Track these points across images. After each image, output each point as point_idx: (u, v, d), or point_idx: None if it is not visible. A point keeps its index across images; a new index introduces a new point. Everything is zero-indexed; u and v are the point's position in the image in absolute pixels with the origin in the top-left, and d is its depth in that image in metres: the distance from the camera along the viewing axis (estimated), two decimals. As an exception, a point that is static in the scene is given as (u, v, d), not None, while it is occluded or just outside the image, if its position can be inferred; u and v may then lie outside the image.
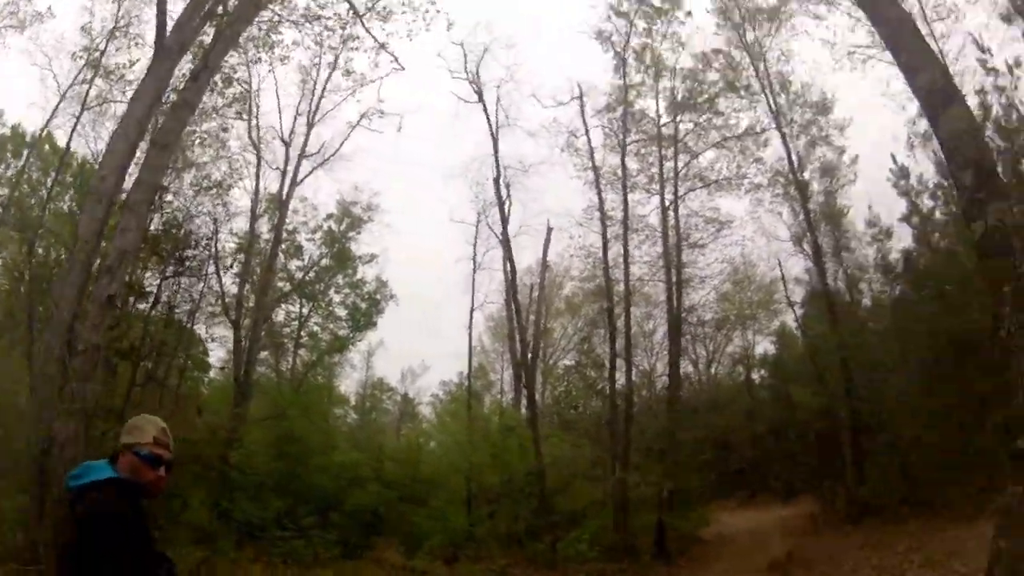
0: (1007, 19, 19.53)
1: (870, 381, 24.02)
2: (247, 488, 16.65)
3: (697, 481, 25.87)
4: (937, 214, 23.18)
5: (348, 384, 39.58)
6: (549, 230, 28.70)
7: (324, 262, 25.78)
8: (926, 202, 23.32)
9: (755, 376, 40.38)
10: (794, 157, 25.68)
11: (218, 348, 23.38)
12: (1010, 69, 19.58)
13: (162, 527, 10.78)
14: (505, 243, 25.57)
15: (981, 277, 7.25)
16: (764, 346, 39.67)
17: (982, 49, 20.26)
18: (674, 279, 24.11)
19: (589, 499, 23.50)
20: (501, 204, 25.51)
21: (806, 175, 26.06)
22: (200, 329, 21.07)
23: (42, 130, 22.44)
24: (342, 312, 26.66)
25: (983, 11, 20.39)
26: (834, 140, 25.97)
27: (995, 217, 6.77)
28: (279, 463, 20.06)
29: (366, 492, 21.54)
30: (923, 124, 20.24)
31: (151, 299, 17.27)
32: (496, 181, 25.40)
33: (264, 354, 24.85)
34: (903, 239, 24.40)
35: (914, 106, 20.32)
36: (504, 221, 25.51)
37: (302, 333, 26.76)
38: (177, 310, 18.70)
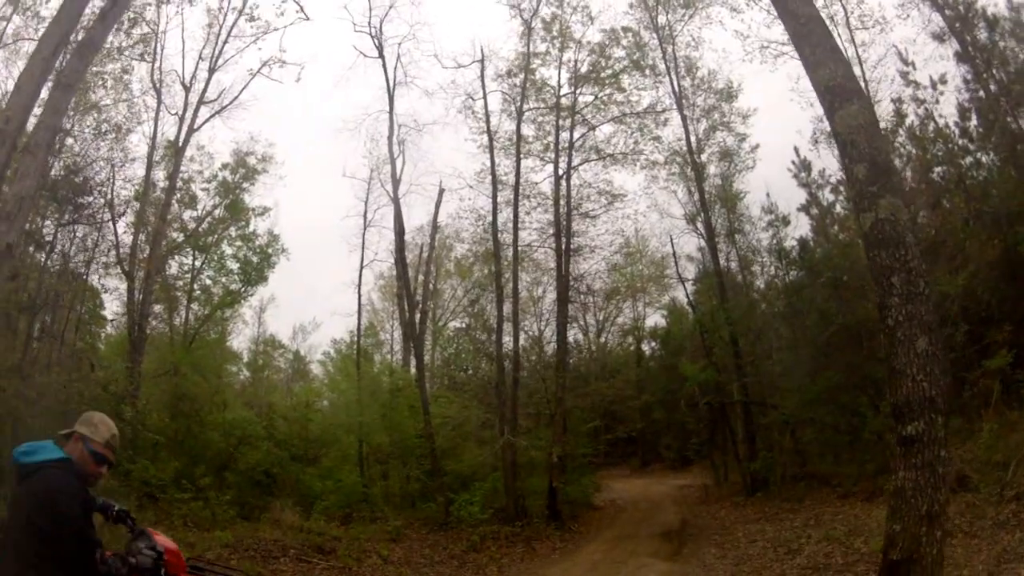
0: (939, 37, 20.29)
1: (758, 359, 25.02)
2: (144, 448, 16.13)
3: (587, 447, 26.26)
4: (837, 208, 24.32)
5: (240, 341, 38.88)
6: (441, 191, 28.64)
7: (218, 213, 25.12)
8: (827, 195, 24.48)
9: (645, 348, 41.43)
10: (693, 139, 26.42)
11: (112, 300, 22.41)
12: (934, 84, 20.61)
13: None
14: (396, 202, 25.49)
15: (870, 268, 7.44)
16: (654, 319, 40.80)
17: (905, 62, 21.24)
18: (564, 246, 24.10)
19: (479, 462, 23.50)
20: (393, 162, 25.39)
21: (704, 157, 26.88)
22: (94, 280, 20.13)
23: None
24: (234, 265, 26.10)
25: (912, 26, 21.24)
26: (736, 127, 26.89)
27: (887, 211, 6.99)
28: (174, 422, 19.57)
29: (258, 451, 21.16)
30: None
31: (47, 248, 16.49)
32: (390, 139, 25.20)
33: (158, 308, 24.11)
34: (800, 228, 25.48)
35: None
36: (395, 180, 25.45)
37: (195, 286, 26.03)
38: (72, 261, 17.86)
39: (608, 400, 30.76)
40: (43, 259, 16.33)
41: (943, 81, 20.44)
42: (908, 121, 21.43)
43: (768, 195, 29.36)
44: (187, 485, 16.48)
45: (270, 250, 26.43)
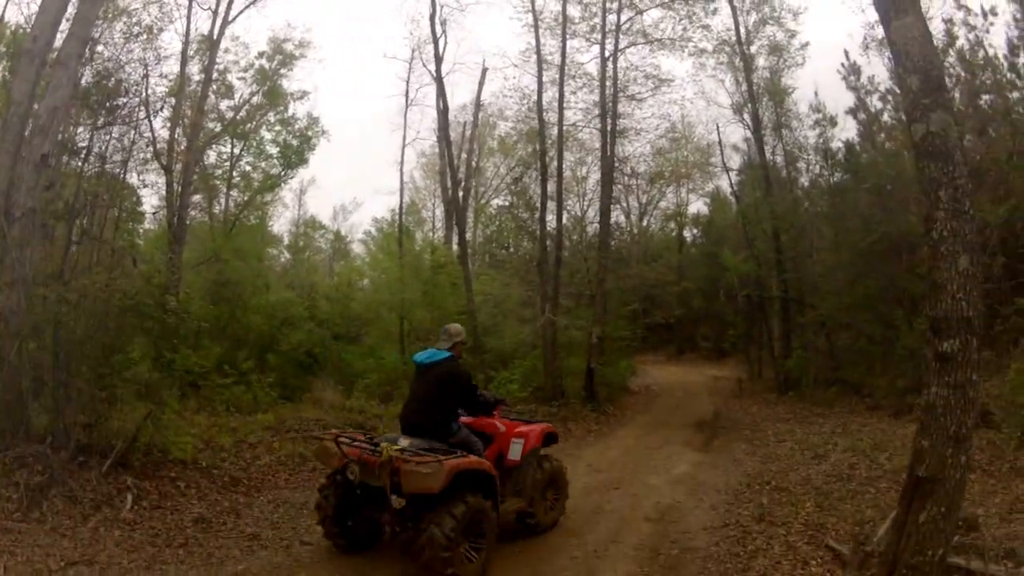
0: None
1: (799, 256, 25.32)
2: (187, 336, 16.52)
3: (626, 330, 26.62)
4: (885, 116, 23.94)
5: (281, 224, 39.44)
6: (484, 70, 28.58)
7: (255, 100, 24.98)
8: (875, 102, 24.09)
9: (686, 235, 41.48)
10: (742, 30, 26.02)
11: (151, 196, 22.54)
12: (984, 14, 20.16)
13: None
14: (439, 80, 25.35)
15: (918, 178, 7.39)
16: (697, 206, 40.85)
17: (958, -18, 20.25)
18: (609, 127, 23.91)
19: (519, 340, 24.20)
20: (436, 41, 24.89)
21: (753, 49, 26.57)
22: (132, 178, 20.06)
23: (-28, 9, 20.88)
24: (273, 150, 26.21)
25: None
26: (786, 23, 26.33)
27: (938, 125, 6.79)
28: (216, 308, 20.06)
29: (300, 332, 21.66)
30: (881, 30, 20.67)
31: (83, 154, 16.70)
32: (432, 18, 24.63)
33: (197, 198, 24.55)
34: (847, 131, 25.24)
35: (873, 11, 20.66)
36: (438, 58, 25.03)
37: (234, 174, 26.30)
38: (109, 162, 18.05)
39: (648, 284, 31.13)
40: (79, 164, 16.55)
41: (994, 13, 20.03)
42: (958, 44, 20.95)
43: (816, 94, 29.35)
44: (230, 371, 16.89)
45: (310, 132, 26.41)
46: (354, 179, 68.71)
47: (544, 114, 23.92)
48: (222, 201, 26.85)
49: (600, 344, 22.76)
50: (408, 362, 22.82)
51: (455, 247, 27.98)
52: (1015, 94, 19.80)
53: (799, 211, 25.77)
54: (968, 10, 20.50)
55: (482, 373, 21.21)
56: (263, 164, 26.58)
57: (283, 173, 26.88)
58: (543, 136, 23.88)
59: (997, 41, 20.14)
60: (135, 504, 9.36)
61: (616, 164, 24.75)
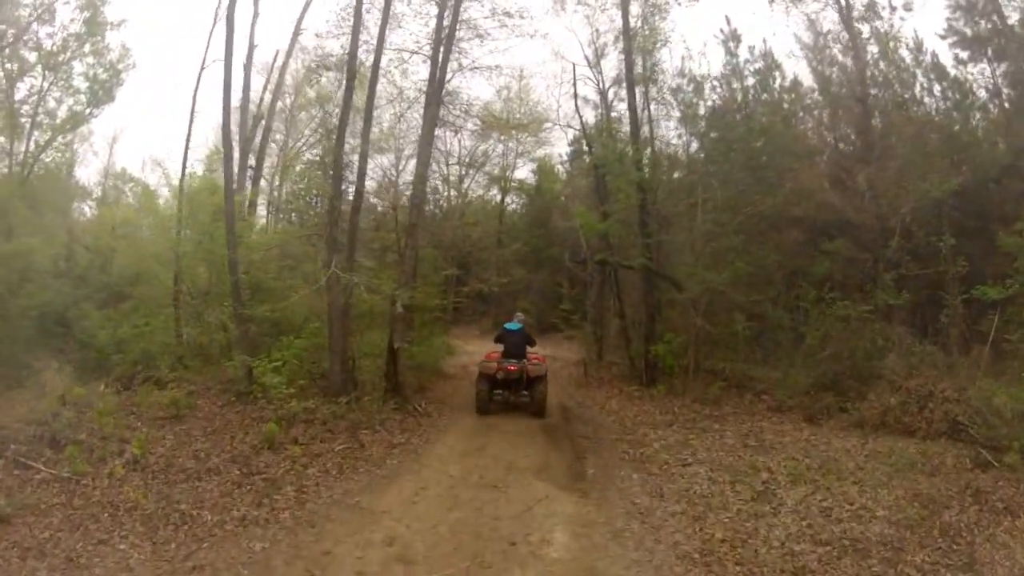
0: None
1: (667, 221, 21.93)
2: None
3: (439, 299, 22.90)
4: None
5: (92, 175, 36.48)
6: (310, -4, 24.36)
7: (74, 28, 23.37)
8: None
9: (509, 202, 38.89)
10: None
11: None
12: None
13: None
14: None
15: None
16: (522, 172, 38.11)
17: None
18: (440, 59, 19.48)
19: (300, 308, 19.39)
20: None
21: None
22: None
23: None
24: (83, 84, 24.42)
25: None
26: None
27: None
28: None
29: (46, 291, 19.22)
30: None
31: None
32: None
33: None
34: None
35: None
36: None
37: (40, 110, 24.31)
38: None
39: (468, 246, 29.04)
40: None
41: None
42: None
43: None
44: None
45: (120, 65, 24.75)
46: (172, 128, 66.05)
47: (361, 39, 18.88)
48: (24, 143, 24.63)
49: (407, 316, 18.49)
50: (179, 328, 20.24)
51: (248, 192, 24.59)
52: None
53: (662, 169, 22.94)
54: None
55: (244, 353, 16.72)
56: (70, 100, 24.78)
57: (89, 112, 25.16)
58: (355, 38, 18.45)
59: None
60: None
61: (445, 97, 20.34)
